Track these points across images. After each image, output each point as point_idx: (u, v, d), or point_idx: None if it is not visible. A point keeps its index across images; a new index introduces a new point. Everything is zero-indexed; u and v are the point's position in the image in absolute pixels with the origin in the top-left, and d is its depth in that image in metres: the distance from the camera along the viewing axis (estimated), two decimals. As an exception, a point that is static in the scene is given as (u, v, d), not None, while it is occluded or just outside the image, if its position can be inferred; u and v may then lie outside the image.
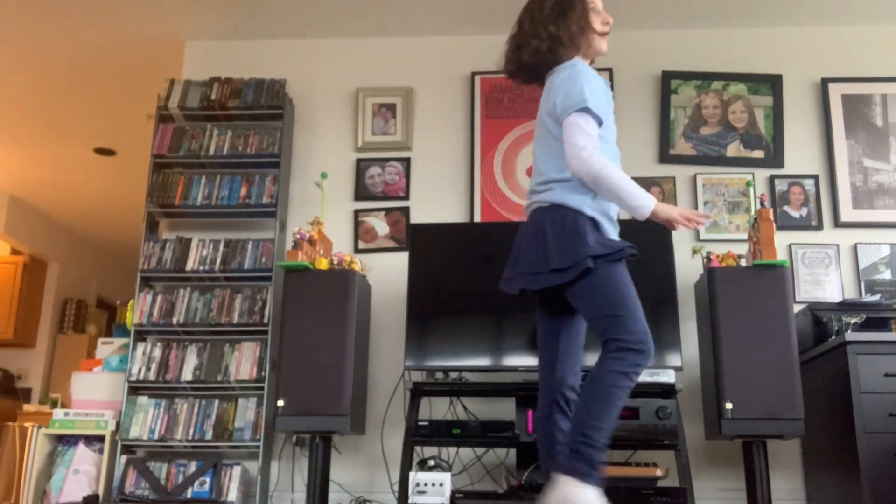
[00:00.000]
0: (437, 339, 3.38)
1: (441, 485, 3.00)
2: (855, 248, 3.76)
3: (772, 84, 3.98)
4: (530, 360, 3.30)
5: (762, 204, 3.28)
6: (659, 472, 3.00)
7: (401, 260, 3.74)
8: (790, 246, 3.77)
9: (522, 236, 2.29)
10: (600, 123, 2.20)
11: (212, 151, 3.91)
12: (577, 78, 2.20)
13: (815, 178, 3.87)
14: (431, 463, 3.19)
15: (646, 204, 2.14)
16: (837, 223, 3.81)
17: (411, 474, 3.04)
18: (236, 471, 3.52)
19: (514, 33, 2.38)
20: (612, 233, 2.23)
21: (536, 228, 2.22)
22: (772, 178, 3.88)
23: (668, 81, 4.02)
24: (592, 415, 2.02)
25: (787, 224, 3.80)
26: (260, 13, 4.05)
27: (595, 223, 2.18)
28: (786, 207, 3.84)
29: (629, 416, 3.05)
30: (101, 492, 3.48)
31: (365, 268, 3.57)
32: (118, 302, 6.58)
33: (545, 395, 2.25)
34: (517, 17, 2.40)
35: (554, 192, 2.21)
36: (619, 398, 2.03)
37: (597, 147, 2.15)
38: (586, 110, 2.15)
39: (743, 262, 3.27)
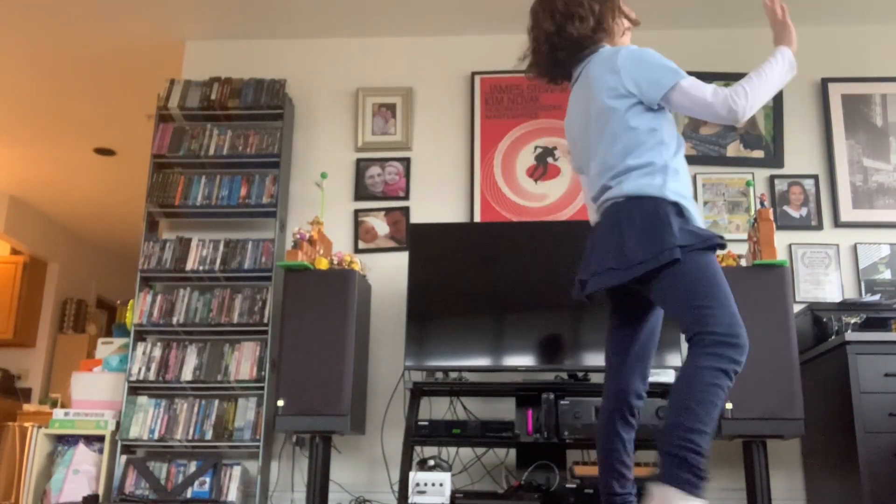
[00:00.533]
0: (437, 339, 3.38)
1: (441, 485, 3.00)
2: (855, 247, 3.76)
3: (772, 84, 3.98)
4: (530, 360, 3.30)
5: (762, 204, 3.27)
6: (659, 472, 3.00)
7: (401, 260, 3.74)
8: (790, 246, 3.77)
9: (595, 235, 2.11)
10: None
11: (212, 151, 3.91)
12: (650, 54, 2.07)
13: (815, 177, 3.87)
14: (431, 463, 3.19)
15: (792, 66, 2.07)
16: (837, 223, 3.81)
17: (411, 474, 3.04)
18: (236, 471, 3.52)
19: (547, 16, 2.17)
20: (697, 216, 2.04)
21: (611, 224, 2.03)
22: (772, 178, 3.88)
23: (668, 81, 4.01)
24: (694, 417, 1.77)
25: (786, 224, 3.80)
26: (260, 13, 4.05)
27: (678, 208, 1.99)
28: (786, 207, 3.84)
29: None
30: (101, 492, 3.48)
31: (365, 268, 3.57)
32: (118, 302, 6.57)
33: (608, 403, 2.12)
34: (534, 7, 2.21)
35: (629, 180, 2.02)
36: (720, 397, 1.80)
37: (721, 90, 2.00)
38: (684, 77, 2.03)
39: (743, 262, 3.27)
